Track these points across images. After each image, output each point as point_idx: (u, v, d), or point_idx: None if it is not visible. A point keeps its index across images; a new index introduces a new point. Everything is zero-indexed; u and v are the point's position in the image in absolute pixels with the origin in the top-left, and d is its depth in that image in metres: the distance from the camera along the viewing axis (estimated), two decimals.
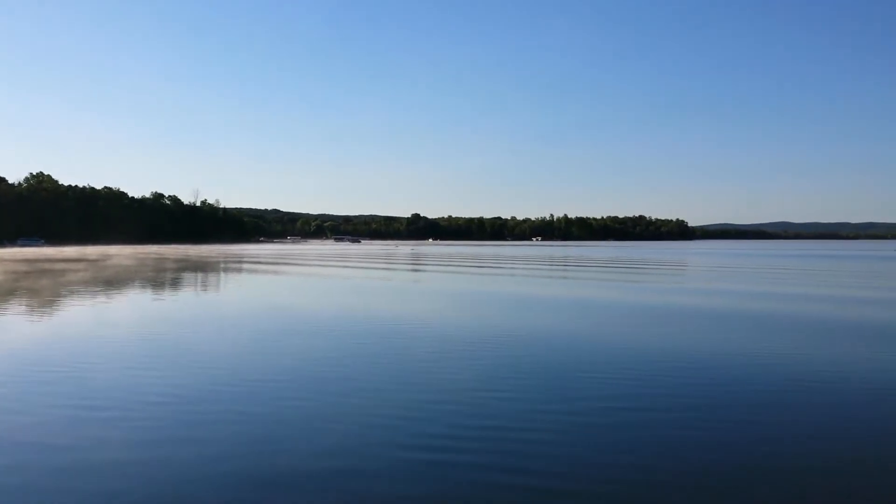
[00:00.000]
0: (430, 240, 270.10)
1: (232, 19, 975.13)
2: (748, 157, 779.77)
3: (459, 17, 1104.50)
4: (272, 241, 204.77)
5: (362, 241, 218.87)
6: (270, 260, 54.05)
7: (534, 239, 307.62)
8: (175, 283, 26.34)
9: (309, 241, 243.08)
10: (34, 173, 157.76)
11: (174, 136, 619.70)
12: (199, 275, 33.02)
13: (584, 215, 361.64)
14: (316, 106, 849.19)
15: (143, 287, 23.87)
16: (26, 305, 17.51)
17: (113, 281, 26.54)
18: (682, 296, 20.71)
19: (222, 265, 43.92)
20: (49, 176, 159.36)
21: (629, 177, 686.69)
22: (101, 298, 19.14)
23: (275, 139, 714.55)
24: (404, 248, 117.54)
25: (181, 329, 13.01)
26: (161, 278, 29.28)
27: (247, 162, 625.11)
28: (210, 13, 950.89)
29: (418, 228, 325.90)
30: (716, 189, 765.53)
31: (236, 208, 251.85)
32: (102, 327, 13.28)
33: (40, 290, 21.63)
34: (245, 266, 42.64)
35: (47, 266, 39.96)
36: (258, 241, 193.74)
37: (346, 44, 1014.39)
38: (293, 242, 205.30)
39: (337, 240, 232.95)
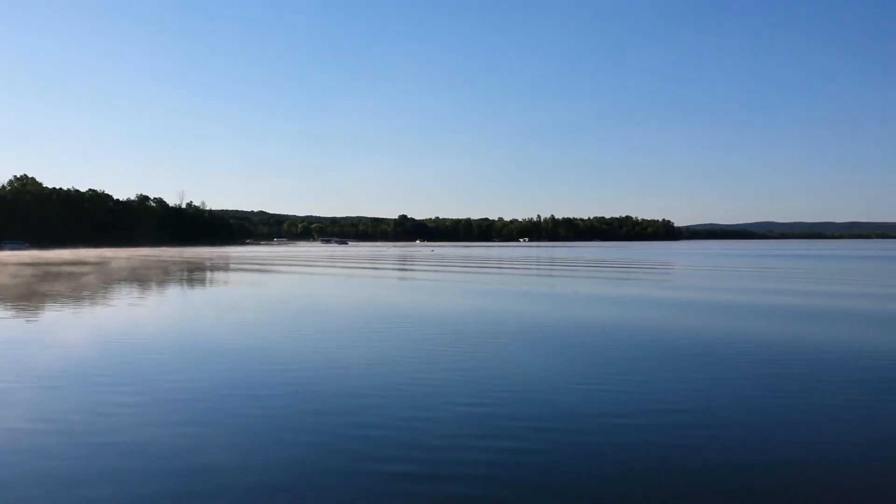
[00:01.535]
0: (418, 241, 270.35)
1: (217, 21, 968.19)
2: (733, 157, 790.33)
3: (446, 19, 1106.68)
4: (259, 244, 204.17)
5: (350, 243, 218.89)
6: (270, 264, 54.62)
7: (520, 240, 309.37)
8: (191, 287, 27.45)
9: (296, 243, 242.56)
10: (18, 176, 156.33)
11: (159, 138, 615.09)
12: (207, 278, 34.04)
13: (570, 216, 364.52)
14: (302, 107, 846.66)
15: (160, 292, 24.92)
16: (56, 308, 18.55)
17: (137, 284, 27.59)
18: (663, 308, 21.76)
19: (227, 269, 44.72)
20: (33, 178, 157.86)
21: (616, 178, 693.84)
22: (147, 304, 20.29)
23: (260, 140, 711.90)
24: (419, 249, 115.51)
25: (205, 330, 14.32)
26: (173, 281, 30.33)
27: (233, 163, 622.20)
28: (195, 15, 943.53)
29: (406, 230, 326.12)
30: (701, 190, 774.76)
31: (222, 210, 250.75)
32: (157, 330, 14.50)
33: (68, 294, 22.64)
34: (251, 270, 43.42)
35: (53, 269, 40.52)
36: (245, 244, 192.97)
37: (333, 45, 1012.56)
38: (280, 244, 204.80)
39: (324, 241, 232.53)
